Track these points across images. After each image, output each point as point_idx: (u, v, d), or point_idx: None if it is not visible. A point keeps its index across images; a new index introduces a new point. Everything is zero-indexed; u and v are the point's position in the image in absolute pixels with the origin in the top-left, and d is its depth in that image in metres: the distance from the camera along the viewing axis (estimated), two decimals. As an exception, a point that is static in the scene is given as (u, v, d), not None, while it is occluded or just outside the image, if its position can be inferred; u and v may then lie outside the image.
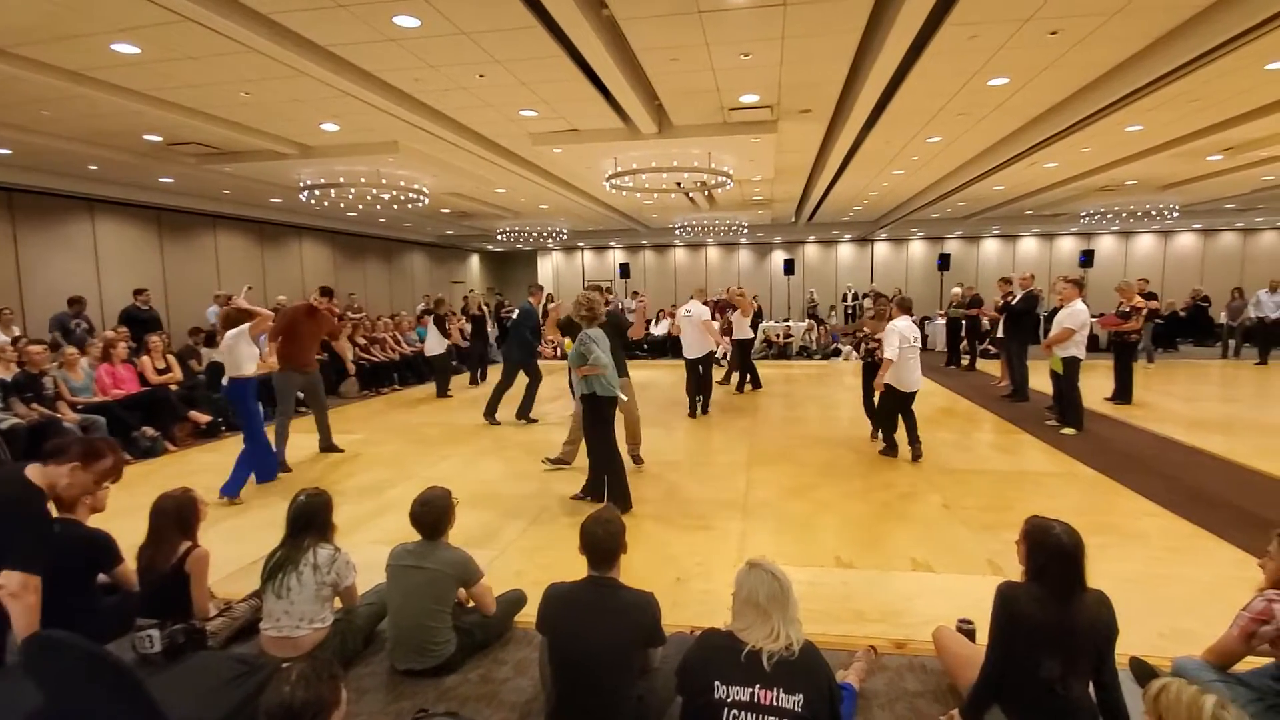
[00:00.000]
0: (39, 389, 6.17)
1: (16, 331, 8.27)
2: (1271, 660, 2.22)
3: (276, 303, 12.70)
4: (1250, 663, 2.32)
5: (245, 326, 5.28)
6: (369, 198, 10.29)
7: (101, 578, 3.06)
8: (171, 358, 7.66)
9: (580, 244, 22.11)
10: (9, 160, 8.60)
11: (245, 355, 5.27)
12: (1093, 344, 11.27)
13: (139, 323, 8.97)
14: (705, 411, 8.22)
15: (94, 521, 3.10)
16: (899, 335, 5.65)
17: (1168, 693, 1.50)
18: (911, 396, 5.85)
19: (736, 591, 1.98)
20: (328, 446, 6.51)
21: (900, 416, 5.94)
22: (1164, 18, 4.95)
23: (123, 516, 3.21)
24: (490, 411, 7.85)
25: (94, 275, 10.83)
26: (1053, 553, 2.06)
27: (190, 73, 5.70)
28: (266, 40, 4.74)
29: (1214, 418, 7.65)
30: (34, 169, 9.12)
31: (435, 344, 9.89)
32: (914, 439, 5.91)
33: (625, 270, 19.36)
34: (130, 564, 2.95)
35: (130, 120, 7.02)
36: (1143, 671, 2.51)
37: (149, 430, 6.61)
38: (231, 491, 5.04)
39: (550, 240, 19.54)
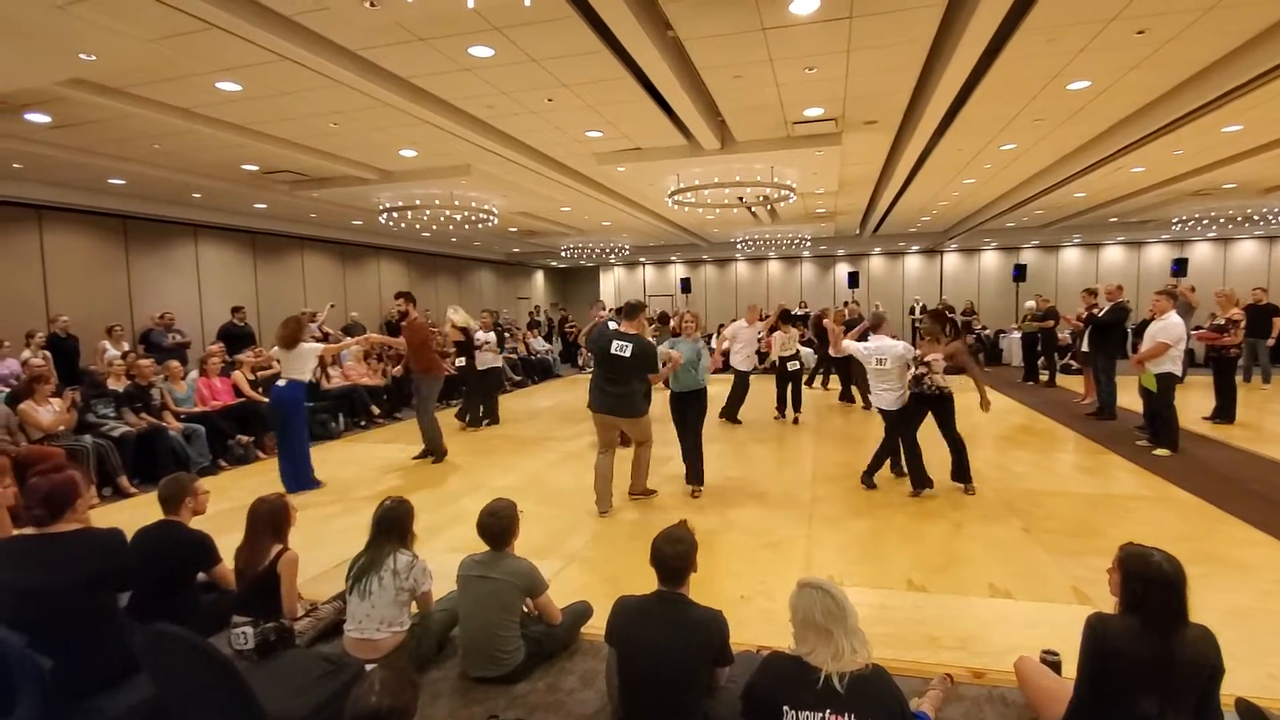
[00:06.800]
0: (147, 400, 6.70)
1: (126, 346, 9.03)
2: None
3: (351, 319, 13.43)
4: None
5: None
6: (443, 218, 10.74)
7: (202, 576, 3.30)
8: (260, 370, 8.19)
9: (642, 259, 22.31)
10: (123, 190, 9.43)
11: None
12: (1189, 359, 10.57)
13: (235, 338, 9.64)
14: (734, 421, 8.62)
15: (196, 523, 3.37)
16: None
17: None
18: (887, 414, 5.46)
19: (792, 616, 1.97)
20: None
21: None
22: (1266, 10, 4.63)
23: (221, 517, 3.45)
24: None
25: (196, 294, 11.71)
26: (1152, 582, 1.94)
27: (285, 107, 6.14)
28: (353, 74, 5.06)
29: (1332, 440, 7.00)
30: (145, 197, 9.98)
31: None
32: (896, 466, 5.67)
33: (686, 285, 19.43)
34: (228, 564, 3.17)
35: (231, 152, 7.60)
36: (1250, 714, 2.33)
37: (243, 439, 7.08)
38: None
39: (613, 256, 19.82)
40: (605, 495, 5.04)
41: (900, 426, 5.38)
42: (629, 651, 2.30)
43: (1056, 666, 2.57)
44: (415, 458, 6.92)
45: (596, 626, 2.94)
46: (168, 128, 6.53)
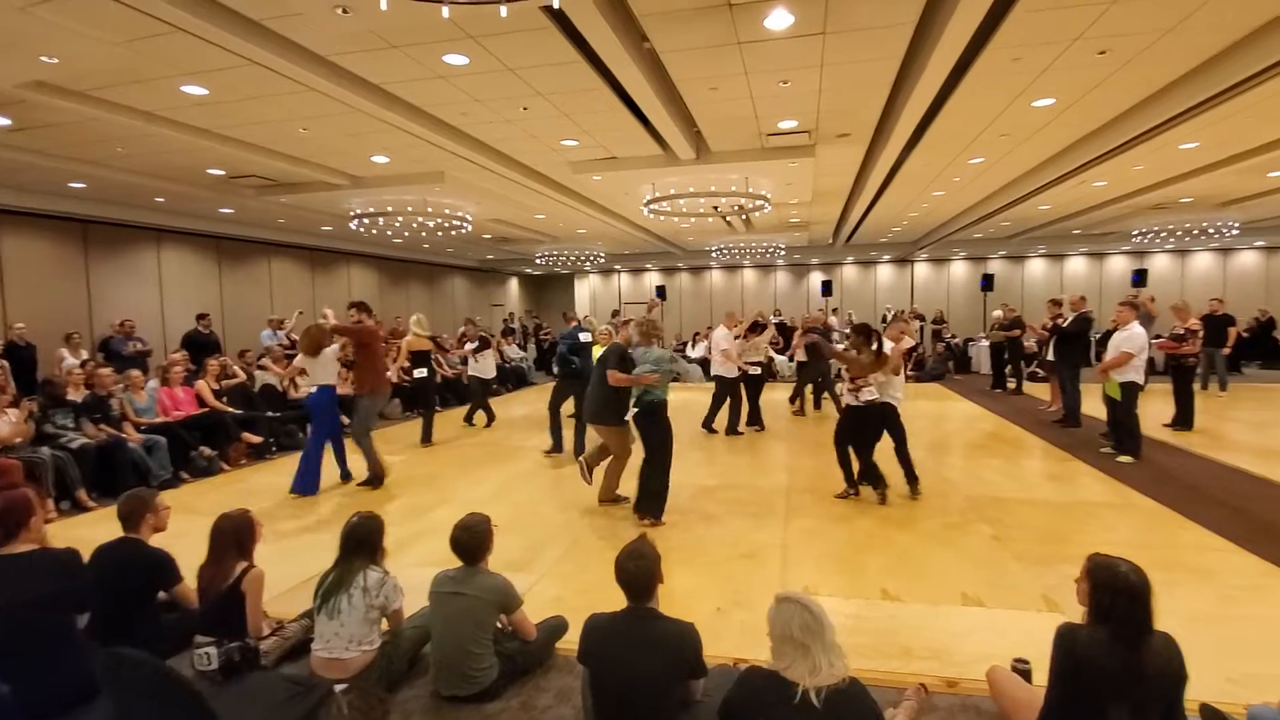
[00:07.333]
0: (106, 410, 6.48)
1: (85, 355, 8.75)
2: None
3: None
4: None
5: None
6: (415, 225, 10.62)
7: (162, 595, 3.20)
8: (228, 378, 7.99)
9: (617, 267, 22.32)
10: (84, 194, 9.16)
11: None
12: (1150, 367, 10.87)
13: (200, 346, 9.42)
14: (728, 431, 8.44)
15: (156, 541, 3.26)
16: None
17: None
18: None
19: (770, 630, 1.97)
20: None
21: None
22: (1219, 35, 4.83)
23: (184, 534, 3.35)
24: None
25: (158, 300, 11.40)
26: (1120, 593, 1.98)
27: (254, 111, 6.03)
28: (325, 80, 4.99)
29: (1284, 446, 7.27)
30: (106, 201, 9.70)
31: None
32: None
33: (661, 292, 19.47)
34: (190, 583, 3.07)
35: (197, 156, 7.43)
36: (1214, 719, 2.39)
37: (206, 450, 6.88)
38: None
39: (587, 263, 19.80)
40: (590, 466, 5.37)
41: (890, 430, 5.49)
42: (601, 670, 2.28)
43: (1027, 675, 2.61)
44: (360, 484, 6.20)
45: (572, 641, 2.90)
46: (131, 131, 6.36)
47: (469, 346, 9.45)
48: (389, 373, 8.33)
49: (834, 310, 15.00)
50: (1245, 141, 7.73)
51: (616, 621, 2.34)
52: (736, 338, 8.94)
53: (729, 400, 8.40)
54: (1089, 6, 4.31)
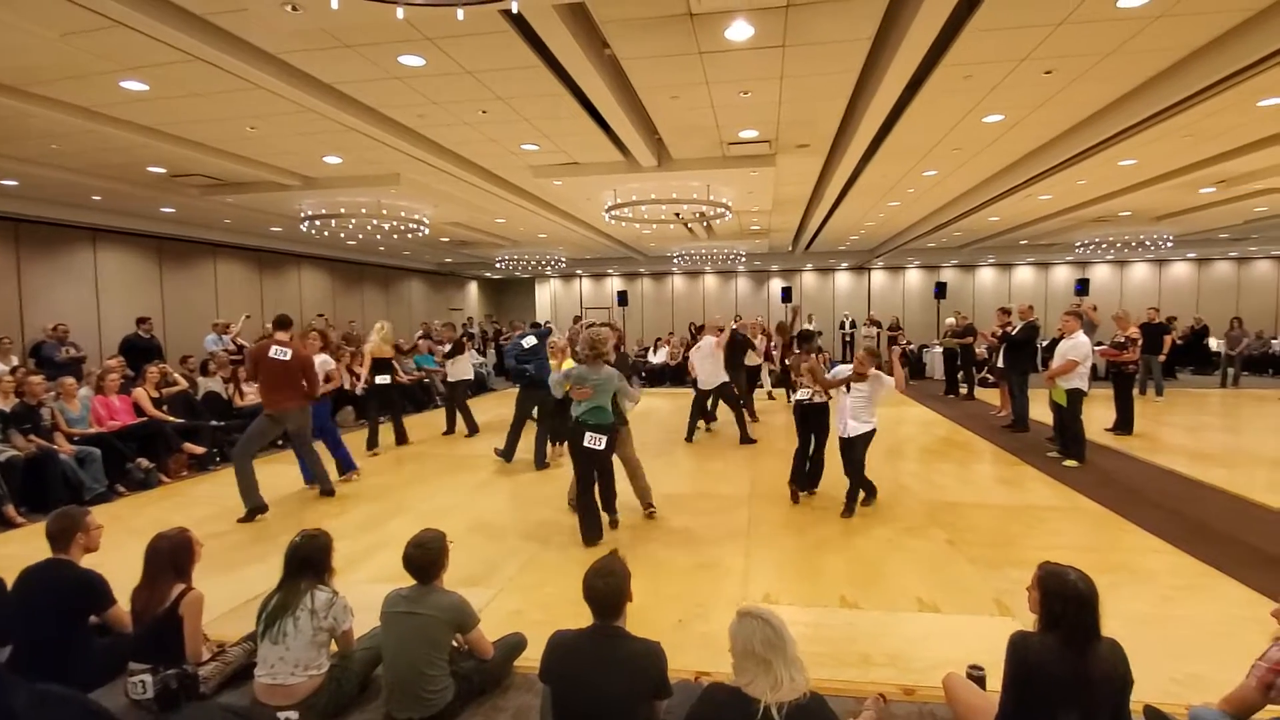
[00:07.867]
0: (36, 420, 6.12)
1: (15, 361, 8.25)
2: (1290, 712, 2.18)
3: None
4: (1271, 711, 2.27)
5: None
6: (369, 228, 10.35)
7: (94, 619, 3.01)
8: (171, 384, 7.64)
9: (578, 272, 22.23)
10: (15, 191, 8.66)
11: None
12: (1093, 373, 11.33)
13: (140, 351, 8.98)
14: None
15: (88, 561, 3.07)
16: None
17: None
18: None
19: (732, 645, 1.95)
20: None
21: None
22: (1156, 59, 5.06)
23: (117, 549, 3.17)
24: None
25: (94, 303, 10.84)
26: (1070, 601, 2.03)
27: (198, 108, 5.78)
28: (274, 78, 4.82)
29: (1216, 449, 7.64)
30: (39, 200, 9.19)
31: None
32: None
33: (623, 298, 19.47)
34: (125, 605, 2.90)
35: (136, 153, 7.09)
36: (1157, 721, 2.46)
37: (144, 462, 6.55)
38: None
39: (548, 268, 19.66)
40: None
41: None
42: (565, 689, 2.23)
43: (981, 681, 2.65)
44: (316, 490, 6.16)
45: (530, 658, 2.84)
46: (67, 127, 6.04)
47: (444, 349, 9.34)
48: (358, 381, 8.41)
49: (809, 317, 15.72)
50: (1178, 160, 8.14)
51: (582, 639, 2.29)
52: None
53: (709, 407, 8.56)
54: (1036, 28, 4.46)
